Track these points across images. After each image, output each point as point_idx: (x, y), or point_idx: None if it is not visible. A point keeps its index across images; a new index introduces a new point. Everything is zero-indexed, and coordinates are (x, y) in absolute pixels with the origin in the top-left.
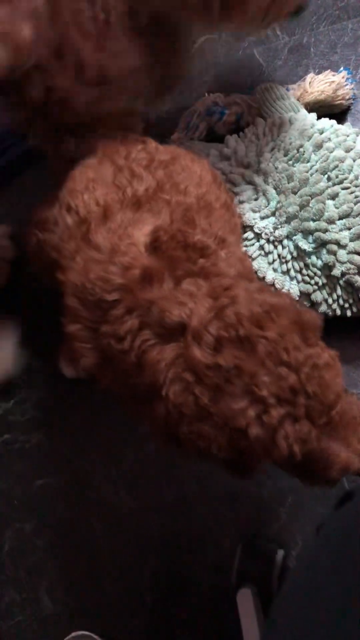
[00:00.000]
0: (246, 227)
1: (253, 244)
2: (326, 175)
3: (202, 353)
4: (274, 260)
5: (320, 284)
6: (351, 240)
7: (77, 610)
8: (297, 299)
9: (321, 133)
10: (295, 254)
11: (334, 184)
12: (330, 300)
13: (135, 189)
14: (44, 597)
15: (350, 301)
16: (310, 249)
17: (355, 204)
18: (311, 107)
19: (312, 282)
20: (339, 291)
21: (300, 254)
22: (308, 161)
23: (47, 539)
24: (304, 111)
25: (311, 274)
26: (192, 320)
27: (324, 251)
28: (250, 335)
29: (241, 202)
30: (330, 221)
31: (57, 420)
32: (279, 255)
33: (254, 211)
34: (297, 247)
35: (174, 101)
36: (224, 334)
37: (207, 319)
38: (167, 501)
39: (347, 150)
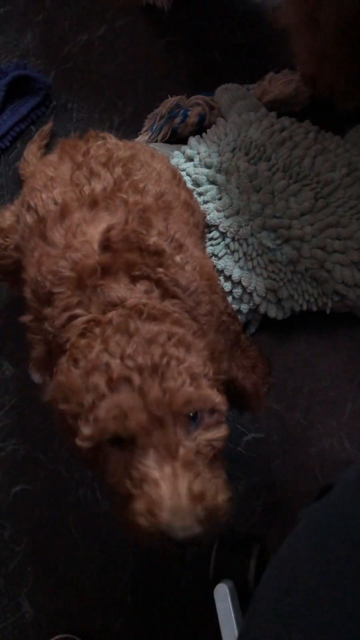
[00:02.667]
0: (211, 227)
1: (219, 243)
2: (287, 173)
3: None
4: (239, 259)
5: (285, 279)
6: (313, 236)
7: (58, 614)
8: (264, 295)
9: (281, 131)
10: (260, 251)
11: (295, 182)
12: (296, 296)
13: (93, 187)
14: (24, 602)
15: (316, 295)
16: (275, 246)
17: (316, 200)
18: (271, 106)
19: (278, 278)
20: (304, 286)
21: (265, 251)
22: (269, 159)
23: (25, 544)
24: (264, 110)
25: (276, 270)
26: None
27: (288, 247)
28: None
29: (206, 202)
30: (293, 218)
31: (32, 426)
32: (244, 253)
33: (219, 210)
34: (261, 244)
35: (138, 103)
36: None
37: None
38: None
39: (308, 148)
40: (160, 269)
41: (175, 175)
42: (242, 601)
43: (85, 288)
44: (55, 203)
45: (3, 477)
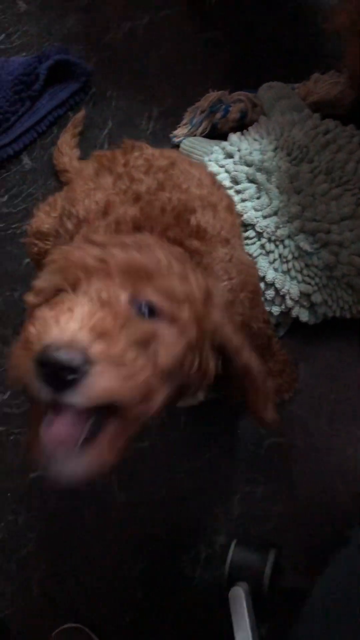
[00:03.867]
0: (247, 226)
1: (254, 243)
2: (330, 176)
3: None
4: (274, 260)
5: (320, 284)
6: (352, 242)
7: (68, 603)
8: (297, 299)
9: (325, 134)
10: (296, 254)
11: (337, 186)
12: (330, 302)
13: (136, 188)
14: (35, 589)
15: (350, 303)
16: (312, 250)
17: (357, 205)
18: (315, 107)
19: (313, 282)
20: (339, 292)
21: (302, 254)
22: (312, 161)
23: (39, 531)
24: (308, 111)
25: (312, 274)
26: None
27: (326, 252)
28: None
29: (243, 200)
30: (333, 222)
31: None
32: (279, 255)
33: (256, 210)
34: (298, 247)
35: (178, 96)
36: None
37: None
38: (160, 496)
39: (351, 153)
40: (197, 242)
41: (215, 181)
42: (256, 605)
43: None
44: (98, 204)
45: (21, 462)
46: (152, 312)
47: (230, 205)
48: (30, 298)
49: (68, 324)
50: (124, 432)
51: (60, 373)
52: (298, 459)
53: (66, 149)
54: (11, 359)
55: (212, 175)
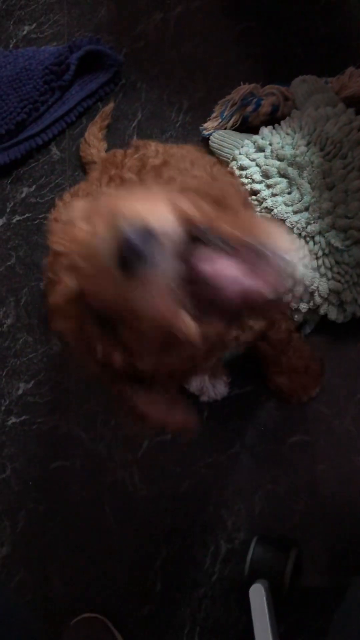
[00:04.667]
0: (277, 221)
1: None
2: None
3: None
4: (304, 256)
5: (351, 282)
6: None
7: (86, 593)
8: (326, 296)
9: None
10: (327, 250)
11: None
12: None
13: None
14: (54, 578)
15: None
16: (343, 247)
17: None
18: (350, 102)
19: (343, 280)
20: None
21: (332, 251)
22: (345, 157)
23: (59, 521)
24: (342, 105)
25: (342, 271)
26: None
27: (357, 249)
28: None
29: (274, 195)
30: None
31: (76, 404)
32: (309, 251)
33: (287, 205)
34: (329, 243)
35: (209, 88)
36: None
37: None
38: (181, 490)
39: None
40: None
41: (216, 179)
42: (276, 603)
43: None
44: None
45: (43, 452)
46: None
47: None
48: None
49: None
50: None
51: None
52: (321, 457)
53: (93, 141)
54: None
55: (218, 174)
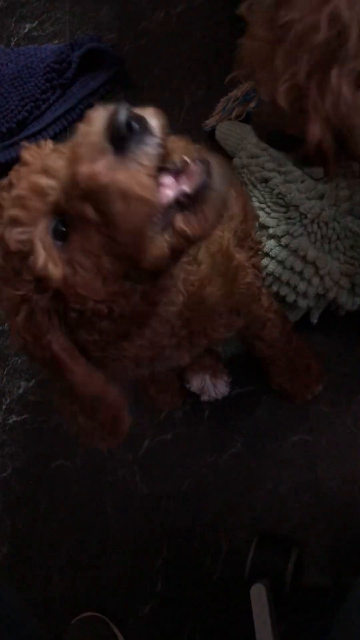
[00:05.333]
0: (290, 206)
1: (295, 223)
2: None
3: None
4: (316, 240)
5: None
6: None
7: (87, 592)
8: (337, 280)
9: None
10: (342, 234)
11: None
12: None
13: None
14: (55, 577)
15: None
16: None
17: None
18: None
19: (357, 263)
20: None
21: (348, 235)
22: None
23: (61, 520)
24: None
25: (357, 255)
26: None
27: None
28: None
29: (288, 182)
30: None
31: None
32: (322, 236)
33: (300, 192)
34: (345, 228)
35: (211, 87)
36: None
37: None
38: (182, 489)
39: None
40: None
41: None
42: (277, 602)
43: None
44: None
45: (44, 450)
46: None
47: None
48: None
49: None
50: None
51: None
52: (323, 457)
53: None
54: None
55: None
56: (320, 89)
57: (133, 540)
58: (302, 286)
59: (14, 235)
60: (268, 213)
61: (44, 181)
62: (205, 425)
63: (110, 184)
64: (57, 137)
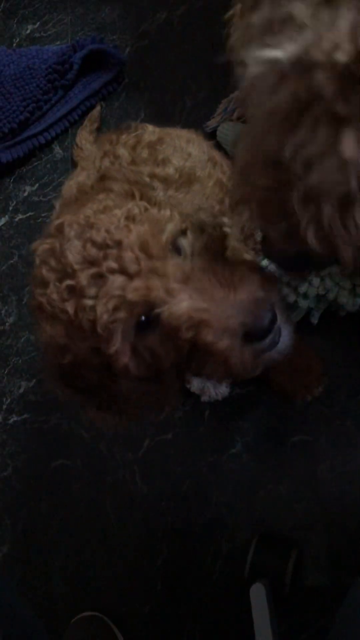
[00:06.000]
0: None
1: None
2: None
3: None
4: None
5: None
6: None
7: (87, 592)
8: (338, 280)
9: None
10: None
11: None
12: None
13: (108, 166)
14: (55, 576)
15: None
16: None
17: None
18: None
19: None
20: None
21: None
22: None
23: (61, 519)
24: None
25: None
26: None
27: None
28: None
29: None
30: None
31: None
32: None
33: None
34: None
35: (212, 88)
36: None
37: None
38: (182, 489)
39: None
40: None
41: (213, 158)
42: (277, 602)
43: None
44: (75, 187)
45: (44, 450)
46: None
47: (223, 183)
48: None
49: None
50: None
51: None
52: (322, 457)
53: (86, 145)
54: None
55: (212, 155)
56: (344, 224)
57: (133, 540)
58: (302, 287)
59: (105, 308)
60: None
61: (159, 296)
62: (206, 425)
63: (223, 354)
64: (59, 138)
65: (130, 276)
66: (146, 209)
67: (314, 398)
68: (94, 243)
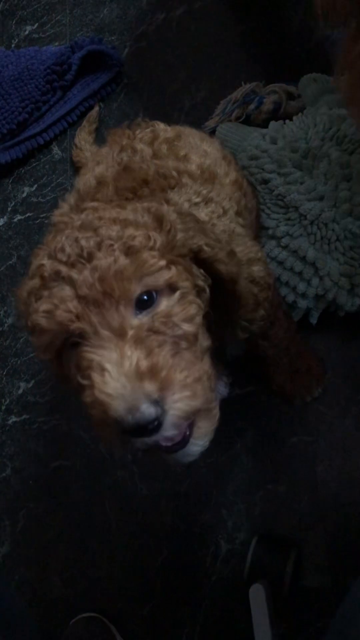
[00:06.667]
0: (290, 208)
1: (294, 224)
2: None
3: None
4: (316, 241)
5: None
6: None
7: (86, 593)
8: (337, 280)
9: None
10: (341, 235)
11: None
12: None
13: (130, 159)
14: (54, 577)
15: None
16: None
17: None
18: None
19: (357, 264)
20: None
21: (348, 236)
22: None
23: (60, 520)
24: None
25: (356, 255)
26: None
27: None
28: None
29: (288, 183)
30: None
31: (76, 403)
32: (322, 237)
33: (300, 193)
34: (344, 229)
35: (211, 89)
36: None
37: None
38: (181, 490)
39: None
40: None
41: (226, 157)
42: (276, 603)
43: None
44: (95, 177)
45: (44, 450)
46: (150, 296)
47: (240, 182)
48: (40, 355)
49: (120, 388)
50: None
51: (146, 427)
52: (322, 458)
53: (85, 146)
54: (92, 419)
55: (225, 153)
56: None
57: (132, 541)
58: (301, 287)
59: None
60: (268, 214)
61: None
62: None
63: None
64: (57, 139)
65: (78, 297)
66: (151, 248)
67: (314, 398)
68: (77, 244)
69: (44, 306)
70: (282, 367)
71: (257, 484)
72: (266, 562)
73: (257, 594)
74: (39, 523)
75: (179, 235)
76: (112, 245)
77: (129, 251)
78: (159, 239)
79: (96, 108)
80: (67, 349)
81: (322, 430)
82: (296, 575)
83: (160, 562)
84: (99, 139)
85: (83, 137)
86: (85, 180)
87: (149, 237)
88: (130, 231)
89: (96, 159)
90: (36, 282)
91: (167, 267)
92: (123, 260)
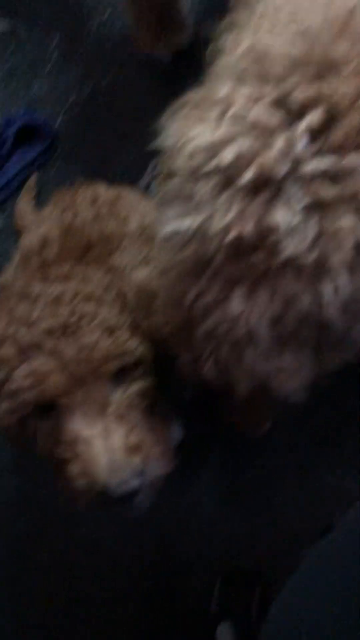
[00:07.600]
0: None
1: None
2: None
3: None
4: None
5: None
6: None
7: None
8: None
9: None
10: None
11: None
12: None
13: (72, 221)
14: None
15: None
16: None
17: None
18: None
19: None
20: None
21: None
22: None
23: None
24: None
25: None
26: None
27: None
28: None
29: None
30: None
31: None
32: None
33: None
34: None
35: (141, 150)
36: None
37: None
38: (144, 536)
39: None
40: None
41: None
42: (245, 638)
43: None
44: (37, 238)
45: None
46: (122, 371)
47: None
48: (4, 420)
49: (110, 463)
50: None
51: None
52: (279, 488)
53: (26, 212)
54: (75, 489)
55: None
56: (236, 363)
57: (104, 585)
58: None
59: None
60: None
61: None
62: None
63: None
64: None
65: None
66: (122, 327)
67: (265, 432)
68: (57, 319)
69: (29, 379)
70: (233, 403)
71: (218, 524)
72: (232, 599)
73: (224, 635)
74: (39, 523)
75: (140, 316)
76: (91, 322)
77: (108, 330)
78: (128, 318)
79: (33, 177)
80: (33, 417)
81: (277, 462)
82: (263, 610)
83: (132, 608)
84: (39, 204)
85: (23, 205)
86: (30, 238)
87: (121, 315)
88: (105, 309)
89: (39, 219)
90: (9, 350)
91: (140, 344)
92: (106, 340)
